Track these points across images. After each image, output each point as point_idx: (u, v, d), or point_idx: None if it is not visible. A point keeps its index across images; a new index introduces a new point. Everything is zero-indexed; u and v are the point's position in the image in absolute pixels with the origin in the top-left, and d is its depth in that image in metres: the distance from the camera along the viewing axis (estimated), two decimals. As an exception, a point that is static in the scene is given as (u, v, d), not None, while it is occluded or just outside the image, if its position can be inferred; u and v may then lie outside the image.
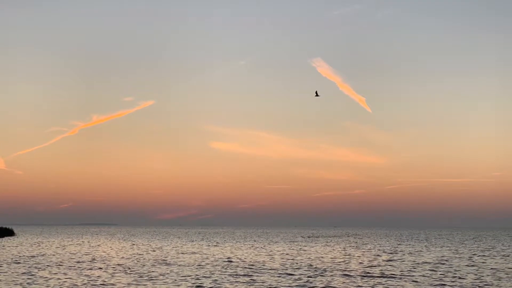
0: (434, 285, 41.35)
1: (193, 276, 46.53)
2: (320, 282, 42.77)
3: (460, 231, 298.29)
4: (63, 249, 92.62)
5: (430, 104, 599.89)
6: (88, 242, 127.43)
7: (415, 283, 42.52)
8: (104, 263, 59.96)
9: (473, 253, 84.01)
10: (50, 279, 44.40)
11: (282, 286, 40.48)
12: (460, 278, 46.34)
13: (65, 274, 48.24)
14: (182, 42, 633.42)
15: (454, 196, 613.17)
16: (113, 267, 54.94)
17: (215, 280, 43.96)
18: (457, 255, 77.10)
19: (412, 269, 53.70)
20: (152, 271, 50.59)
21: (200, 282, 42.43)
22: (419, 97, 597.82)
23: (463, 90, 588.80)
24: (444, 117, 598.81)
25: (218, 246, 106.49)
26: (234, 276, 46.97)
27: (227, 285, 40.89)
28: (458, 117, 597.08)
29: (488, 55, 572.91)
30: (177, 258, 69.24)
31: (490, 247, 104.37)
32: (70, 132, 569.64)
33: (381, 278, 45.64)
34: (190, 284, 41.24)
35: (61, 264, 59.05)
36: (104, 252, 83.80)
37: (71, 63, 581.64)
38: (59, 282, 42.03)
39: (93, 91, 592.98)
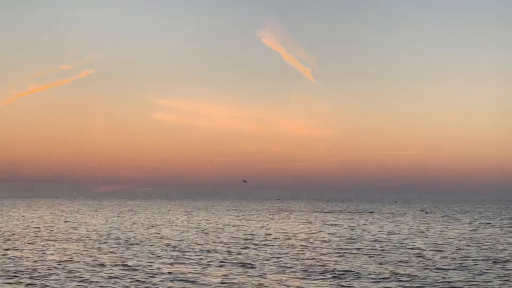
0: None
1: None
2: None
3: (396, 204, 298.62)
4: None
5: (375, 78, 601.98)
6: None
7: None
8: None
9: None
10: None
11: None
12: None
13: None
14: (124, 8, 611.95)
15: (398, 169, 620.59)
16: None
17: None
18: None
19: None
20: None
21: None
22: (366, 70, 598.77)
23: (407, 66, 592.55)
24: (388, 91, 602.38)
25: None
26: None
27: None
28: (401, 91, 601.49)
29: (433, 32, 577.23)
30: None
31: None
32: (5, 102, 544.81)
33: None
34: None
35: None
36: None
37: (4, 29, 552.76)
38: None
39: (29, 57, 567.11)
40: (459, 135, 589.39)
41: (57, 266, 33.12)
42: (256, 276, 29.55)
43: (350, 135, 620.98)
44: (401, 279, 28.99)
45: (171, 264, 34.33)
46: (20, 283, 27.46)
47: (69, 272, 30.78)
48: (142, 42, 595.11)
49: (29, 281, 27.80)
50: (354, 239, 53.07)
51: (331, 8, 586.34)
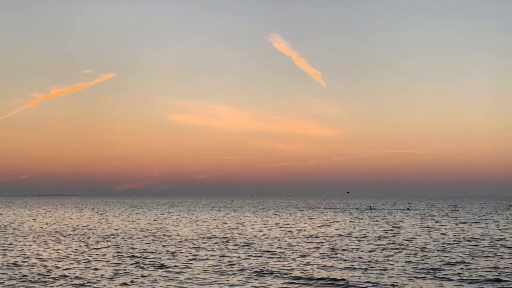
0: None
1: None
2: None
3: (401, 200, 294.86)
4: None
5: (382, 79, 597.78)
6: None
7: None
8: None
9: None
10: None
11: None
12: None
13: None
14: (143, 15, 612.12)
15: (402, 167, 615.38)
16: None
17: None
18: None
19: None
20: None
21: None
22: (373, 72, 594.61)
23: (412, 66, 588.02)
24: (394, 92, 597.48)
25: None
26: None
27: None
28: (405, 92, 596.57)
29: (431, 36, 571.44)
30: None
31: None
32: (30, 104, 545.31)
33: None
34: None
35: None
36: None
37: (29, 34, 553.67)
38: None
39: (52, 62, 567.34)
40: (461, 134, 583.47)
41: (74, 263, 30.87)
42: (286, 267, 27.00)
43: (358, 134, 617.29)
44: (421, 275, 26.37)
45: (190, 260, 31.91)
46: (34, 282, 25.16)
47: (85, 268, 28.48)
48: (160, 46, 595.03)
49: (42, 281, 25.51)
50: (366, 237, 50.49)
51: (340, 13, 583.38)
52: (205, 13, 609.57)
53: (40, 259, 32.24)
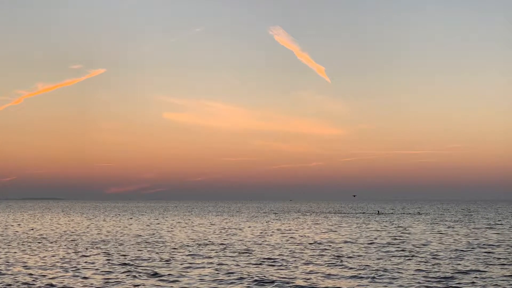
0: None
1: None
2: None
3: (409, 203, 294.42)
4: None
5: (388, 75, 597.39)
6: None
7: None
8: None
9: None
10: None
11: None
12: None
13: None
14: (135, 7, 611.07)
15: (411, 168, 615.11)
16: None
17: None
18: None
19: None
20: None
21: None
22: (380, 70, 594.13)
23: (419, 63, 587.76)
24: (401, 90, 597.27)
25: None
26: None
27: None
28: (414, 89, 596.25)
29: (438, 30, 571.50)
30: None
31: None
32: (14, 102, 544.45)
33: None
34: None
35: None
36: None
37: (12, 26, 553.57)
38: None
39: (38, 56, 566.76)
40: (474, 133, 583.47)
41: (61, 271, 30.92)
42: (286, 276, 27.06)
43: (364, 134, 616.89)
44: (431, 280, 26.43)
45: (185, 268, 31.97)
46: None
47: (74, 277, 28.52)
48: (153, 40, 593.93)
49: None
50: (371, 243, 50.50)
51: (345, 4, 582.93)
52: (201, 3, 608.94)
53: (25, 267, 32.39)
